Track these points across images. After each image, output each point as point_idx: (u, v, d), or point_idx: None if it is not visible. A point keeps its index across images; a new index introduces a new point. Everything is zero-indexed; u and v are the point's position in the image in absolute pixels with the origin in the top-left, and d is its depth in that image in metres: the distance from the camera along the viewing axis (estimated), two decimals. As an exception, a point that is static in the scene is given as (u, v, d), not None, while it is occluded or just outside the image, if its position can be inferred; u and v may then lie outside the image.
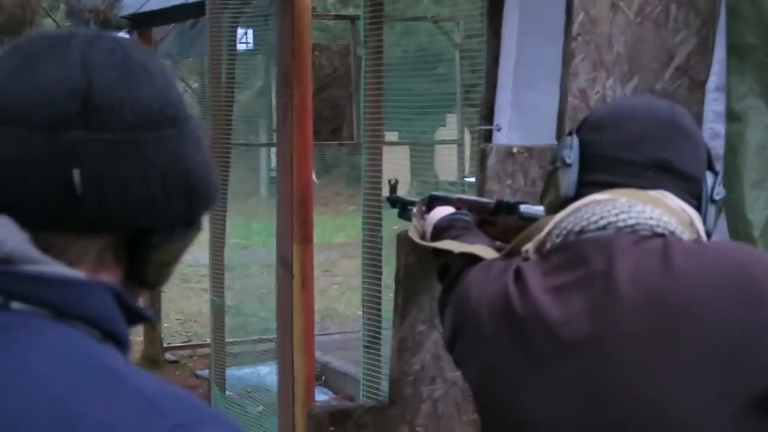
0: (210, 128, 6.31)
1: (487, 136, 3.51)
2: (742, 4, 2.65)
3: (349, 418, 2.51)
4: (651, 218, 1.64)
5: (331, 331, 9.77)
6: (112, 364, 1.09)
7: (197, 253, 7.15)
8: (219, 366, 6.56)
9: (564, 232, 1.69)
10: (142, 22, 8.42)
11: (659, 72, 2.67)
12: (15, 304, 1.09)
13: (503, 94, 3.52)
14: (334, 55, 21.49)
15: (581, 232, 1.66)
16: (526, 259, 1.74)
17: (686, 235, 1.66)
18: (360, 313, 5.80)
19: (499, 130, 3.52)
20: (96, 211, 1.12)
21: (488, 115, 3.50)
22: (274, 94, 6.50)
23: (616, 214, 1.65)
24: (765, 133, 2.66)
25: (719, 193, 1.75)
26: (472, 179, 4.21)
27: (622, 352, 1.56)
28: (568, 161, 1.74)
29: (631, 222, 1.64)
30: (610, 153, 1.71)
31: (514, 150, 2.62)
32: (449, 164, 9.08)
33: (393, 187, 2.72)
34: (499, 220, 2.31)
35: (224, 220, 6.38)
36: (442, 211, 2.39)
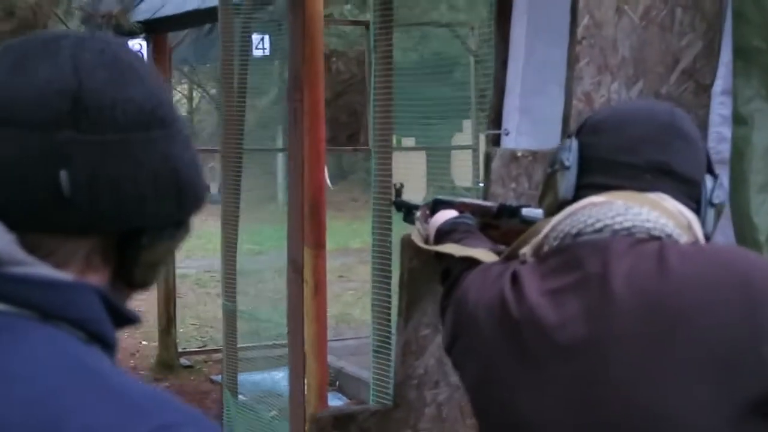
0: (222, 134, 6.32)
1: (496, 141, 3.51)
2: (748, 7, 2.64)
3: (352, 422, 2.51)
4: (648, 221, 1.63)
5: (345, 336, 9.76)
6: (96, 366, 1.09)
7: (213, 258, 7.19)
8: (231, 371, 6.57)
9: (561, 235, 1.68)
10: (156, 28, 8.45)
11: (665, 76, 2.67)
12: (0, 306, 1.10)
13: (511, 99, 3.51)
14: (351, 61, 21.54)
15: (578, 234, 1.66)
16: (524, 262, 1.74)
17: (684, 238, 1.65)
18: (376, 318, 5.79)
19: (507, 134, 3.51)
20: (85, 212, 1.12)
21: (497, 120, 3.50)
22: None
23: (613, 217, 1.64)
24: (771, 137, 2.65)
25: (718, 196, 1.74)
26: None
27: (618, 355, 1.55)
28: (567, 164, 1.74)
29: (627, 225, 1.63)
30: (609, 156, 1.71)
31: (519, 154, 2.62)
32: (465, 169, 9.07)
33: (398, 191, 2.72)
34: (501, 224, 2.31)
35: (236, 226, 6.38)
36: (445, 215, 2.39)
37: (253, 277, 8.43)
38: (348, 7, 16.15)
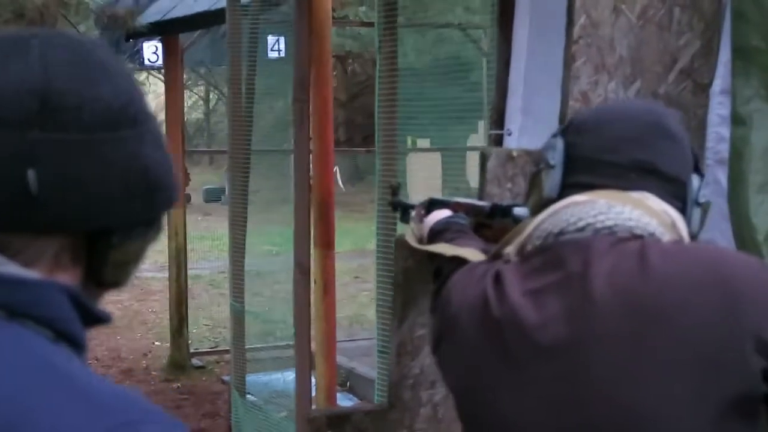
0: (230, 135, 6.33)
1: (498, 141, 3.50)
2: (748, 7, 2.63)
3: (347, 422, 2.51)
4: (630, 219, 1.63)
5: (358, 337, 9.77)
6: (61, 365, 1.09)
7: (227, 260, 7.22)
8: (239, 371, 6.58)
9: (544, 234, 1.68)
10: (167, 29, 8.47)
11: (662, 75, 2.65)
12: None
13: (514, 99, 3.50)
14: (367, 63, 21.56)
15: (560, 233, 1.65)
16: (508, 261, 1.74)
17: (667, 237, 1.64)
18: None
19: (509, 134, 3.50)
20: (52, 211, 1.12)
21: (499, 120, 3.49)
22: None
23: (595, 216, 1.63)
24: (770, 137, 2.64)
25: (704, 195, 1.73)
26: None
27: (599, 355, 1.55)
28: (552, 163, 1.73)
29: (609, 223, 1.62)
30: (593, 155, 1.70)
31: (515, 154, 2.61)
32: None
33: (395, 191, 2.72)
34: (494, 223, 2.31)
35: (244, 226, 6.39)
36: (439, 215, 2.39)
37: (269, 278, 8.45)
38: (363, 8, 16.14)
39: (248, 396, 6.81)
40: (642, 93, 2.63)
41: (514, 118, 3.51)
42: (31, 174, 1.10)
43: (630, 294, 1.54)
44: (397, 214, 2.72)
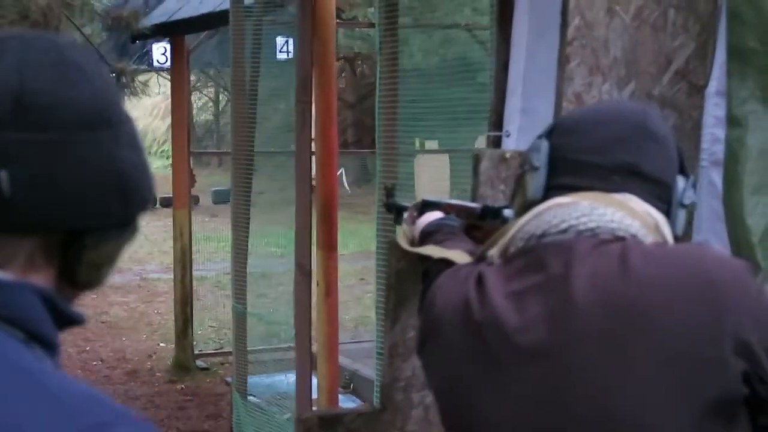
0: (232, 136, 6.33)
1: (497, 143, 3.49)
2: (743, 8, 2.62)
3: (339, 424, 2.50)
4: (612, 221, 1.62)
5: (363, 339, 9.76)
6: (30, 366, 1.09)
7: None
8: (241, 372, 6.58)
9: (527, 236, 1.67)
10: (172, 30, 8.48)
11: (657, 76, 2.64)
12: None
13: (512, 101, 3.49)
14: (375, 65, 21.54)
15: (543, 235, 1.65)
16: (491, 263, 1.73)
17: (650, 239, 1.63)
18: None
19: (508, 136, 3.49)
20: (25, 212, 1.12)
21: (497, 122, 3.48)
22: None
23: (577, 218, 1.63)
24: (765, 138, 2.62)
25: (689, 197, 1.72)
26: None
27: (579, 357, 1.54)
28: (536, 164, 1.72)
29: (591, 225, 1.62)
30: (577, 157, 1.69)
31: (507, 155, 2.60)
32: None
33: (389, 192, 2.71)
34: (485, 225, 2.30)
35: (247, 228, 6.39)
36: (431, 217, 2.38)
37: (275, 280, 8.46)
38: (372, 10, 16.15)
39: (252, 397, 6.82)
40: (636, 94, 2.62)
41: (512, 120, 3.49)
42: (3, 174, 1.10)
43: (611, 296, 1.54)
44: (394, 216, 2.71)
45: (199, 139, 32.63)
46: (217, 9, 7.28)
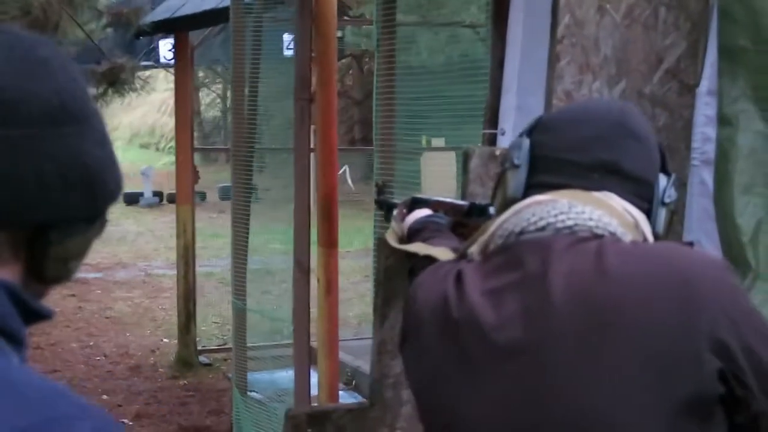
0: (232, 133, 6.33)
1: (492, 141, 3.49)
2: (734, 6, 2.61)
3: (327, 420, 2.51)
4: (590, 219, 1.62)
5: (366, 335, 9.75)
6: None
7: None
8: (240, 368, 6.60)
9: (506, 233, 1.67)
10: (173, 27, 8.48)
11: (648, 75, 2.64)
12: None
13: (508, 98, 3.49)
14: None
15: (521, 233, 1.65)
16: (471, 261, 1.73)
17: (629, 237, 1.63)
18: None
19: (503, 134, 3.49)
20: None
21: (492, 119, 3.48)
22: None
23: (556, 215, 1.63)
24: (756, 138, 2.62)
25: (670, 196, 1.72)
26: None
27: (555, 356, 1.54)
28: (517, 162, 1.73)
29: (569, 223, 1.62)
30: (557, 155, 1.70)
31: (497, 152, 2.60)
32: (496, 170, 9.03)
33: (380, 189, 2.72)
34: (471, 222, 2.30)
35: (247, 224, 6.40)
36: (419, 214, 2.39)
37: (279, 277, 8.47)
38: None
39: (253, 393, 6.82)
40: (627, 93, 2.62)
41: (507, 117, 3.49)
42: None
43: (587, 294, 1.54)
44: (384, 213, 2.72)
45: (207, 136, 32.66)
46: (220, 5, 7.30)
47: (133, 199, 24.05)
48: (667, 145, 2.64)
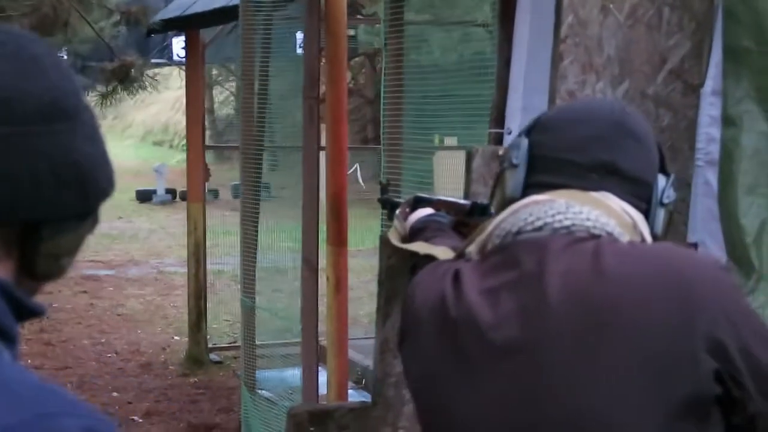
0: (241, 131, 6.34)
1: (498, 140, 3.50)
2: (739, 7, 2.61)
3: (330, 419, 2.51)
4: (588, 219, 1.62)
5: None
6: None
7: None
8: (249, 366, 6.61)
9: (503, 233, 1.68)
10: (186, 25, 8.49)
11: (651, 75, 2.64)
12: None
13: (514, 98, 3.49)
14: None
15: (519, 233, 1.65)
16: (469, 260, 1.73)
17: (626, 238, 1.63)
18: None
19: (509, 134, 3.49)
20: None
21: (499, 119, 3.48)
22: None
23: (553, 215, 1.63)
24: (760, 138, 2.62)
25: (669, 196, 1.72)
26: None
27: (552, 356, 1.54)
28: (515, 162, 1.73)
29: (566, 223, 1.62)
30: (555, 154, 1.70)
31: (500, 152, 2.60)
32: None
33: (384, 188, 2.72)
34: (473, 221, 2.30)
35: (256, 222, 6.41)
36: (421, 213, 2.39)
37: (290, 275, 8.48)
38: (390, 6, 16.11)
39: (263, 391, 6.83)
40: (630, 93, 2.62)
41: (514, 117, 3.50)
42: None
43: (584, 294, 1.54)
44: (387, 212, 2.72)
45: (220, 134, 32.66)
46: (230, 4, 7.30)
47: (146, 197, 24.10)
48: (671, 146, 2.65)
